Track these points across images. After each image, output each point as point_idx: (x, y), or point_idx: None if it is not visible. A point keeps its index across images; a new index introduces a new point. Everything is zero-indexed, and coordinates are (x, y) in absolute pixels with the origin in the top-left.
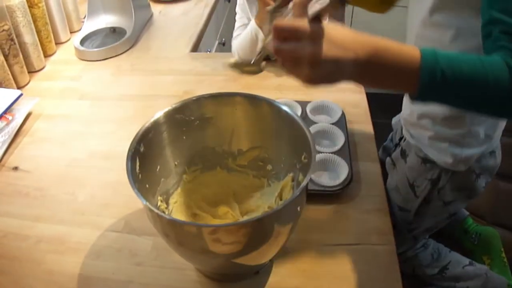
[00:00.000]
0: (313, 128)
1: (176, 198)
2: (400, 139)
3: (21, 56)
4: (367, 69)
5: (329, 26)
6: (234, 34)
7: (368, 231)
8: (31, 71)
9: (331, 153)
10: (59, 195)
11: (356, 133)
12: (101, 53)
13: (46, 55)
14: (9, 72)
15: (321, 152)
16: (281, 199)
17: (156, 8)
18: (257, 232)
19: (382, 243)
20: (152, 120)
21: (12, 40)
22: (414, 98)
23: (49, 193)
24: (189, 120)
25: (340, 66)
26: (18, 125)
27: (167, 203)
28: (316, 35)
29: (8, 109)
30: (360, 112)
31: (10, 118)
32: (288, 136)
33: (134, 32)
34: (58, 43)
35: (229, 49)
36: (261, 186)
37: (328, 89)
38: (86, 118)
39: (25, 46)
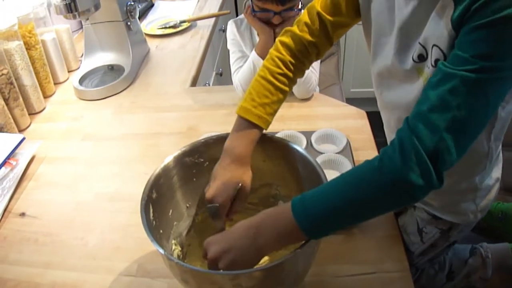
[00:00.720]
0: (319, 159)
1: (190, 241)
2: None
3: (21, 99)
4: (258, 248)
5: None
6: (233, 69)
7: (382, 259)
8: (32, 113)
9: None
10: (69, 240)
11: (362, 160)
12: (100, 92)
13: (46, 96)
14: (10, 116)
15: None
16: None
17: (152, 43)
18: (276, 275)
19: (397, 270)
20: (162, 165)
21: (11, 83)
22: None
23: (58, 238)
24: (199, 162)
25: (240, 261)
26: (22, 170)
27: (182, 246)
28: (223, 251)
29: (11, 154)
30: (365, 137)
31: (14, 163)
32: (302, 175)
33: (132, 69)
34: (56, 83)
35: (226, 80)
36: None
37: (331, 117)
38: (90, 160)
39: (25, 89)
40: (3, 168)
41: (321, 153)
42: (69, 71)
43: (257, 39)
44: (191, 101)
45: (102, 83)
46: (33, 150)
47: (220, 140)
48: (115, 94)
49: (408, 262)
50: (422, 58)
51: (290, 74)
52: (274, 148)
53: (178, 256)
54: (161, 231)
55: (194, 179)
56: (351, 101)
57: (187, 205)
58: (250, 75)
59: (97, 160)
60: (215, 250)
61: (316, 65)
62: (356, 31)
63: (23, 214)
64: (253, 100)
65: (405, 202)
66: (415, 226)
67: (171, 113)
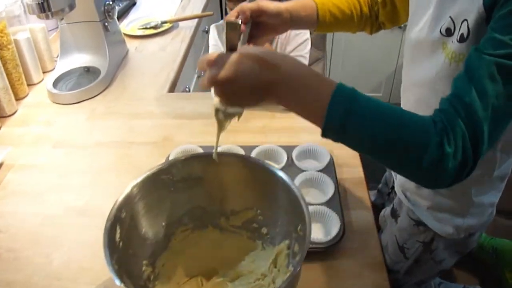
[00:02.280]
0: (300, 177)
1: (163, 261)
2: (393, 187)
3: None
4: (273, 93)
5: (241, 51)
6: None
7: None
8: (3, 116)
9: (321, 204)
10: (33, 257)
11: (346, 178)
12: (74, 96)
13: (18, 98)
14: None
15: (311, 204)
16: (275, 266)
17: (131, 44)
18: None
19: None
20: (135, 182)
21: None
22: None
23: (22, 255)
24: (176, 180)
25: (246, 93)
26: None
27: (154, 266)
28: (221, 61)
29: None
30: (349, 154)
31: None
32: (284, 202)
33: (109, 71)
34: (30, 84)
35: None
36: (255, 248)
37: (315, 129)
38: (60, 169)
39: None
40: None
41: (303, 170)
42: (44, 72)
43: None
44: (168, 108)
45: (77, 85)
46: (1, 156)
47: (200, 159)
48: (90, 98)
49: (395, 284)
50: (449, 32)
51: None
52: (258, 173)
53: (149, 277)
54: (130, 251)
55: (171, 198)
56: None
57: (163, 224)
58: None
59: (68, 169)
60: (225, 85)
61: (302, 60)
62: (344, 35)
63: None
64: None
65: (430, 165)
66: (395, 245)
67: (146, 120)
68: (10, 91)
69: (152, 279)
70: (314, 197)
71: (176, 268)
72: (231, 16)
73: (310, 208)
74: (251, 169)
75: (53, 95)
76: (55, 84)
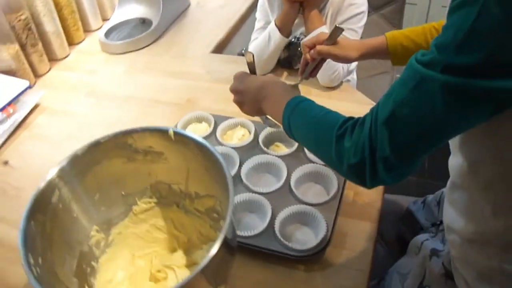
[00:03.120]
0: (305, 168)
1: (120, 229)
2: (436, 224)
3: (40, 45)
4: (264, 107)
5: (252, 77)
6: (252, 38)
7: None
8: (54, 59)
9: (316, 205)
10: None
11: None
12: (119, 47)
13: (73, 43)
14: (24, 62)
15: (305, 203)
16: None
17: None
18: None
19: None
20: (91, 142)
21: (30, 29)
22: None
23: (24, 194)
24: (136, 151)
25: (248, 104)
26: (19, 120)
27: (108, 234)
28: (240, 78)
29: (12, 101)
30: None
31: (11, 110)
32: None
33: (160, 25)
34: (88, 30)
35: None
36: (215, 239)
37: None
38: (84, 119)
39: (47, 35)
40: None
41: (311, 161)
42: (104, 20)
43: None
44: (204, 69)
45: (129, 36)
46: (35, 99)
47: (160, 133)
48: (135, 50)
49: None
50: None
51: None
52: (213, 161)
53: (98, 243)
54: (75, 215)
55: (132, 167)
56: None
57: (123, 192)
58: (264, 47)
59: (90, 120)
60: (236, 95)
61: (352, 35)
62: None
63: (6, 163)
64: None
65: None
66: (418, 278)
67: (178, 79)
68: (63, 36)
69: (102, 245)
70: (314, 195)
71: (134, 239)
72: (307, 45)
73: (301, 207)
74: (206, 155)
75: (102, 44)
76: (110, 32)
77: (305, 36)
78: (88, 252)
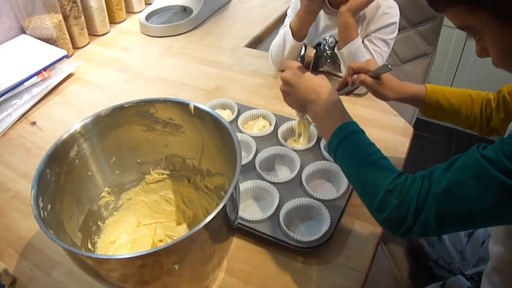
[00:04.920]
0: (316, 165)
1: (131, 195)
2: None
3: (82, 18)
4: (309, 108)
5: (308, 74)
6: (279, 33)
7: None
8: (94, 34)
9: (323, 200)
10: None
11: None
12: (158, 30)
13: (114, 22)
14: (65, 32)
15: (315, 198)
16: None
17: None
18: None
19: None
20: (116, 105)
21: (74, 2)
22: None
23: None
24: (156, 121)
25: (294, 98)
26: (53, 85)
27: (118, 198)
28: (295, 69)
29: (48, 67)
30: (394, 157)
31: (46, 75)
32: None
33: (199, 15)
34: (131, 12)
35: None
36: None
37: (370, 122)
38: (112, 92)
39: (90, 10)
40: (34, 77)
41: (324, 158)
42: (147, 4)
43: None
44: (234, 61)
45: (168, 22)
46: (71, 68)
47: (180, 106)
48: (173, 35)
49: None
50: None
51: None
52: (227, 139)
53: (107, 204)
54: (89, 173)
55: (150, 137)
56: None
57: (138, 160)
58: (279, 46)
59: (118, 93)
60: (286, 85)
61: (383, 51)
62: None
63: (34, 123)
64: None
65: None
66: None
67: (209, 67)
68: (105, 13)
69: (111, 208)
70: (323, 192)
71: (142, 207)
72: (352, 68)
73: (308, 201)
74: (222, 132)
75: (141, 26)
76: (150, 16)
77: (335, 40)
78: (96, 211)
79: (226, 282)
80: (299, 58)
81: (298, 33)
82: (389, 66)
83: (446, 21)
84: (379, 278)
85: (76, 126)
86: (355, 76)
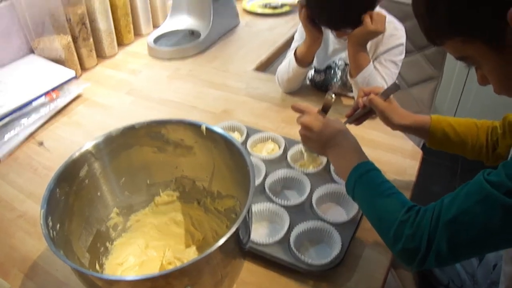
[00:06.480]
0: (326, 188)
1: (140, 217)
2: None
3: (91, 40)
4: (329, 152)
5: (327, 120)
6: (286, 55)
7: None
8: (102, 56)
9: (334, 224)
10: None
11: None
12: (166, 53)
13: (123, 44)
14: (74, 53)
15: (325, 221)
16: None
17: (244, 19)
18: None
19: None
20: (127, 126)
21: (84, 24)
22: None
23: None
24: (167, 142)
25: (315, 143)
26: (60, 106)
27: (127, 219)
28: (313, 115)
29: (56, 88)
30: (403, 180)
31: (54, 96)
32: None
33: (207, 38)
34: (139, 34)
35: None
36: None
37: (377, 145)
38: (120, 114)
39: (99, 33)
40: (43, 97)
41: (334, 181)
42: (155, 27)
43: (328, 34)
44: (242, 84)
45: (177, 45)
46: (79, 90)
47: (192, 127)
48: (180, 58)
49: None
50: None
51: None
52: (239, 161)
53: (116, 225)
54: (98, 193)
55: (161, 159)
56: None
57: (148, 181)
58: (285, 72)
59: (126, 115)
60: (307, 130)
61: (393, 73)
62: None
63: (41, 143)
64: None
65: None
66: None
67: (217, 90)
68: (114, 36)
69: (119, 229)
70: (334, 215)
71: (151, 229)
72: (363, 91)
73: (318, 224)
74: (233, 154)
75: (150, 48)
76: (158, 39)
77: (345, 62)
78: (105, 232)
79: None
80: (308, 81)
81: (304, 60)
82: (398, 83)
83: None
84: None
85: (87, 146)
86: (365, 98)
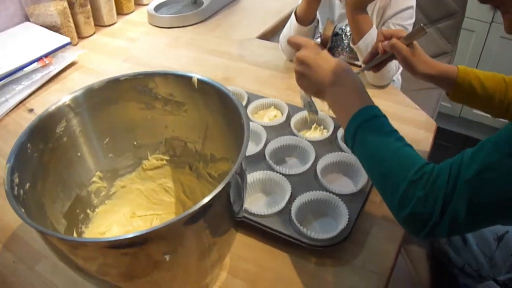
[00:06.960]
0: (334, 156)
1: (125, 183)
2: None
3: (88, 6)
4: (327, 92)
5: (326, 53)
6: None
7: None
8: (100, 25)
9: (340, 195)
10: None
11: None
12: (166, 21)
13: (122, 13)
14: (70, 20)
15: (331, 192)
16: None
17: None
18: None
19: None
20: (110, 78)
21: None
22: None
23: None
24: (155, 97)
25: (311, 81)
26: (54, 73)
27: (111, 184)
28: (312, 48)
29: (49, 54)
30: (420, 150)
31: (47, 62)
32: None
33: (209, 7)
34: (139, 4)
35: None
36: None
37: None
38: None
39: (97, 0)
40: (35, 63)
41: (342, 150)
42: None
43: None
44: (245, 52)
45: (177, 13)
46: (73, 56)
47: (183, 80)
48: (182, 26)
49: None
50: None
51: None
52: (235, 117)
53: (99, 190)
54: (78, 154)
55: (149, 117)
56: (445, 117)
57: (135, 142)
58: (287, 35)
59: None
60: (301, 65)
61: None
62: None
63: (31, 110)
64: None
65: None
66: None
67: (219, 58)
68: (113, 4)
69: (103, 195)
70: (340, 186)
71: (138, 196)
72: (383, 34)
73: (323, 195)
74: (228, 108)
75: (150, 16)
76: (160, 7)
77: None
78: (86, 197)
79: (229, 283)
80: (318, 40)
81: (305, 19)
82: (423, 26)
83: (465, 24)
84: (396, 284)
85: (65, 99)
86: (386, 42)
